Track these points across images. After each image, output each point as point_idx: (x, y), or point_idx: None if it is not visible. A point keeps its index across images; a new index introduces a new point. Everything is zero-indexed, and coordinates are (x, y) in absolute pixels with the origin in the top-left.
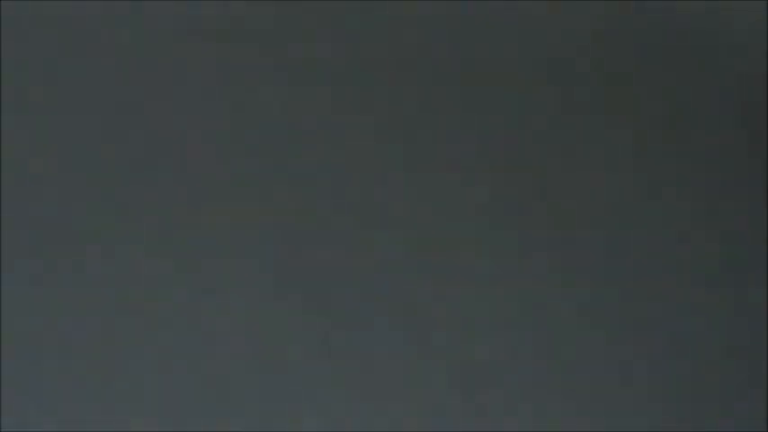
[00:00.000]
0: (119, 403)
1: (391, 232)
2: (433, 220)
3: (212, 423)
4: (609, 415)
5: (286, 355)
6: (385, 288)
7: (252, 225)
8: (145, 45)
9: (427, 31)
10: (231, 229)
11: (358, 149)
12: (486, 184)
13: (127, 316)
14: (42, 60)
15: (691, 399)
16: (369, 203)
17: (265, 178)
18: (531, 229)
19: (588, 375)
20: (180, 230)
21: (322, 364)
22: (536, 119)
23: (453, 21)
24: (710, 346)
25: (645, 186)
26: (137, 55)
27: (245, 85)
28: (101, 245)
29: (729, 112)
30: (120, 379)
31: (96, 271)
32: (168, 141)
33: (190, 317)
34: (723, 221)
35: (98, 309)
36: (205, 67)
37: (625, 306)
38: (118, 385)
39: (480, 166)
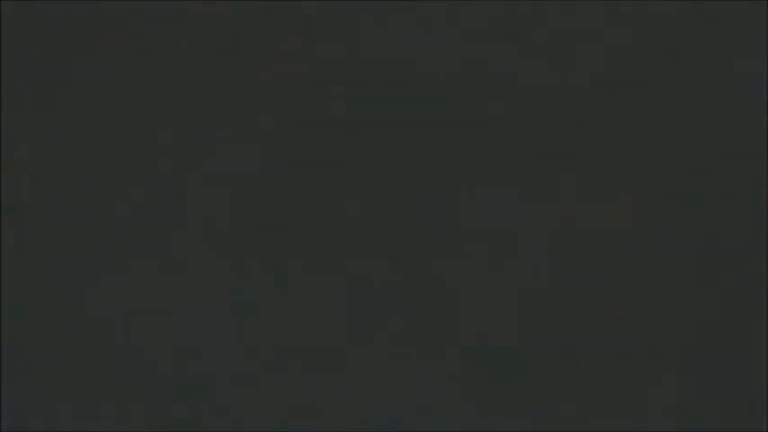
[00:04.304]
0: None
1: None
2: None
3: None
4: (609, 416)
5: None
6: None
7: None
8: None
9: None
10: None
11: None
12: None
13: None
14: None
15: (691, 398)
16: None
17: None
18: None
19: (589, 376)
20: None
21: None
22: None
23: None
24: (710, 346)
25: (640, 187)
26: None
27: None
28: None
29: (729, 110)
30: None
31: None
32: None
33: None
34: (723, 220)
35: None
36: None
37: (623, 304)
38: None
39: None
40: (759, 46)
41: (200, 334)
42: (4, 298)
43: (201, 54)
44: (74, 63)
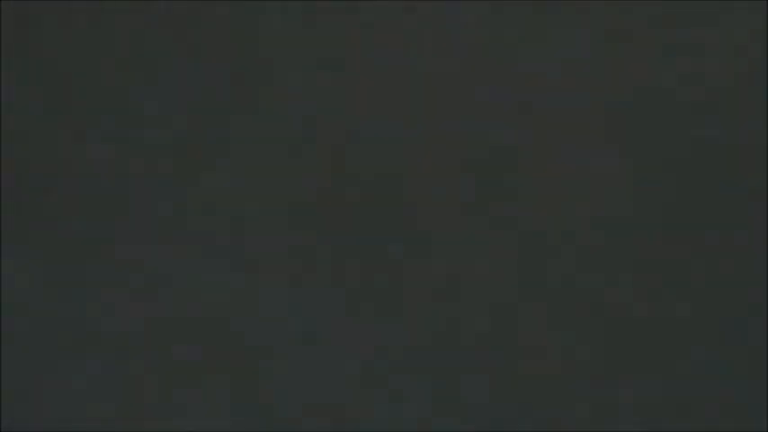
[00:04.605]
0: None
1: None
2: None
3: None
4: (610, 416)
5: None
6: None
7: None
8: None
9: None
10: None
11: None
12: None
13: None
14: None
15: (690, 399)
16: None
17: None
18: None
19: (589, 376)
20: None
21: None
22: None
23: None
24: (710, 346)
25: (645, 190)
26: None
27: None
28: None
29: (729, 110)
30: None
31: None
32: None
33: None
34: (724, 220)
35: None
36: None
37: (623, 303)
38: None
39: None
40: (759, 46)
41: (201, 334)
42: (4, 298)
43: (202, 53)
44: (74, 62)
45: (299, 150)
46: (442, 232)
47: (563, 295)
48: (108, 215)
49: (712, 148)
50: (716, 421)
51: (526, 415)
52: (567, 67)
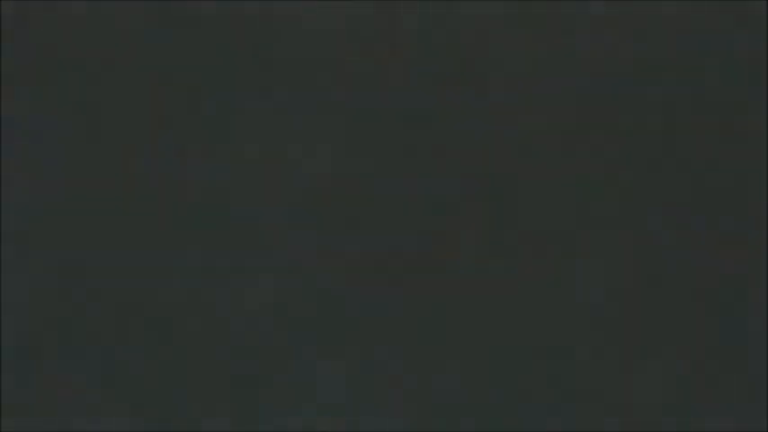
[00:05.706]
0: None
1: None
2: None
3: None
4: (608, 416)
5: None
6: None
7: None
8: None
9: None
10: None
11: None
12: None
13: None
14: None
15: (691, 398)
16: None
17: None
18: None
19: (588, 376)
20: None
21: None
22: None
23: None
24: (710, 345)
25: (643, 187)
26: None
27: None
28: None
29: (729, 111)
30: None
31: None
32: None
33: None
34: (723, 220)
35: None
36: None
37: (622, 302)
38: None
39: None
40: (759, 46)
41: (202, 335)
42: (4, 298)
43: (202, 53)
44: (74, 63)
45: (301, 144)
46: (444, 228)
47: (563, 296)
48: (108, 214)
49: (711, 149)
50: (716, 421)
51: (526, 414)
52: (559, 64)
